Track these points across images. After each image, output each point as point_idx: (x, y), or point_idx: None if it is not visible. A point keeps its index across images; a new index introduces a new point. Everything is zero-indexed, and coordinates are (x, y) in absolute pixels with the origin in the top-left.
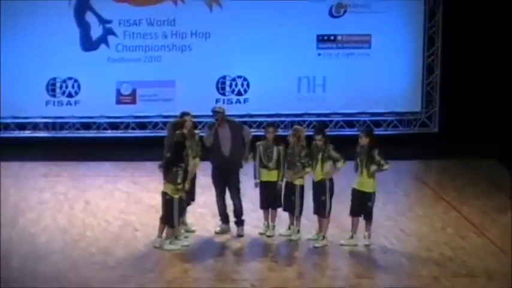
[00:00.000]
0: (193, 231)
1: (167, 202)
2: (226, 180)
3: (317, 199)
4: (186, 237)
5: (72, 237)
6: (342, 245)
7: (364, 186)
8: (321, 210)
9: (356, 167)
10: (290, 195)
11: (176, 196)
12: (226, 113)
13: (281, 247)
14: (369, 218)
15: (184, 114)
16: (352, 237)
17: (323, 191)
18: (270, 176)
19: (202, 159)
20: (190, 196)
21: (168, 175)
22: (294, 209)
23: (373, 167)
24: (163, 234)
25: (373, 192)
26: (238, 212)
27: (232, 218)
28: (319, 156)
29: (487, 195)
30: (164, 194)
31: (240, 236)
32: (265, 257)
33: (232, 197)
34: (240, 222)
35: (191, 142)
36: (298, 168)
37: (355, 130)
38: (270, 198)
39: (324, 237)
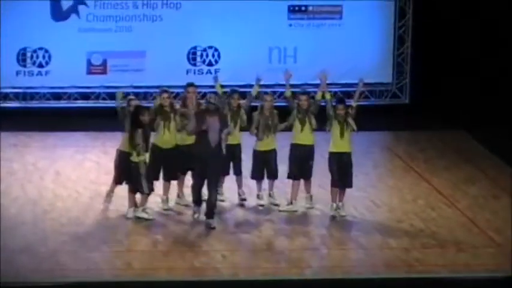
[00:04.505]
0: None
1: (133, 169)
2: (208, 172)
3: (308, 164)
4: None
5: (43, 208)
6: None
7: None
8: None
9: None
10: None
11: (141, 160)
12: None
13: (252, 217)
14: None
15: (163, 91)
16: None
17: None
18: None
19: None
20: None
21: (130, 141)
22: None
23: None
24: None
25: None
26: (212, 204)
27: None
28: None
29: (457, 166)
30: (130, 162)
31: (211, 228)
32: (236, 227)
33: (209, 187)
34: (211, 215)
35: (172, 114)
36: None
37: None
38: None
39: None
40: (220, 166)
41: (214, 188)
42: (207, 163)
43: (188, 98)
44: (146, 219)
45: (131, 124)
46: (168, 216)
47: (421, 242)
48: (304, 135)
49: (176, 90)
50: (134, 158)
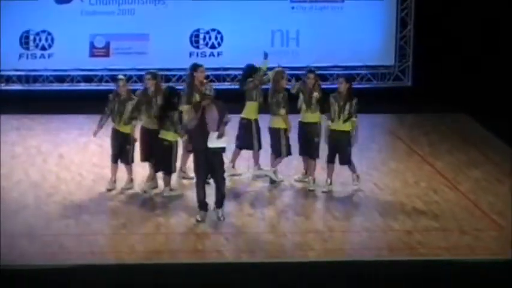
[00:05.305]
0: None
1: (166, 148)
2: (210, 166)
3: (314, 142)
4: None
5: (46, 192)
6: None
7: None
8: (314, 153)
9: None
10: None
11: (175, 141)
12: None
13: (256, 200)
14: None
15: (147, 74)
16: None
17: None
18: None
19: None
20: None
21: (166, 122)
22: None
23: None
24: (160, 181)
25: None
26: (221, 196)
27: (212, 199)
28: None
29: (460, 149)
30: (162, 140)
31: (220, 219)
32: (240, 210)
33: (216, 181)
34: (220, 205)
35: (154, 99)
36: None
37: (329, 84)
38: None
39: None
40: (222, 156)
41: (222, 178)
42: (208, 155)
43: (196, 78)
44: (176, 195)
45: (165, 107)
46: (170, 199)
47: (423, 225)
48: (308, 113)
49: (179, 73)
50: (170, 137)
